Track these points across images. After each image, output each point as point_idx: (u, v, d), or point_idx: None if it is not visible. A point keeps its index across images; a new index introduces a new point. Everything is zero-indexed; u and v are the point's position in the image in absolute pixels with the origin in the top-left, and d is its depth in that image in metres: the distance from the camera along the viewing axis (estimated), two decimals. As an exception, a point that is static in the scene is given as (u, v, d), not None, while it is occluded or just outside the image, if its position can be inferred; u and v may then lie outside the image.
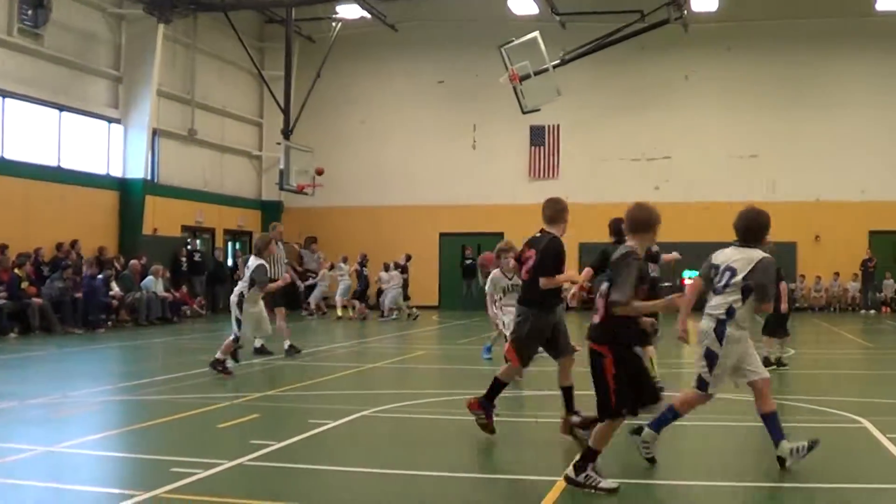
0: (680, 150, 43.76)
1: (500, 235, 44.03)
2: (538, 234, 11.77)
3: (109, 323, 31.22)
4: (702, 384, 9.81)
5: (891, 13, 41.67)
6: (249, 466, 9.61)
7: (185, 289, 37.08)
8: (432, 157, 45.50)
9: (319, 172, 38.96)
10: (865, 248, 42.02)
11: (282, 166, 38.82)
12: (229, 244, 45.24)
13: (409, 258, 39.75)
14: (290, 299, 21.87)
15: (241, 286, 18.00)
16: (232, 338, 17.64)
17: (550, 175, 44.76)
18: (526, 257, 11.79)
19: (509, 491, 9.06)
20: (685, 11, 38.73)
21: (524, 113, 36.91)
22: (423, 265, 43.32)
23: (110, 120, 37.37)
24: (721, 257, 10.00)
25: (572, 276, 12.34)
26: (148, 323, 32.63)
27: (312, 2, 41.36)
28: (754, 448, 10.93)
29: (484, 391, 11.44)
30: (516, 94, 36.44)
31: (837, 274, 42.63)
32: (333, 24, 43.12)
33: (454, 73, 45.42)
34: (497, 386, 11.44)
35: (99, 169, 36.91)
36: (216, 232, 43.59)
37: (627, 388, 8.72)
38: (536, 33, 35.11)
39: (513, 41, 35.52)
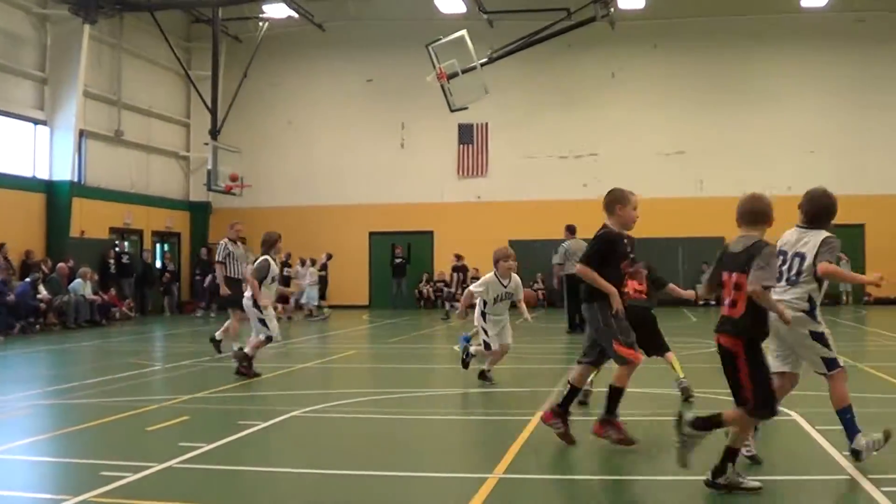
0: (607, 147, 44.03)
1: (430, 234, 44.31)
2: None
3: (38, 326, 30.92)
4: (833, 363, 9.54)
5: (815, 10, 42.25)
6: (179, 469, 9.52)
7: (113, 291, 36.73)
8: (361, 157, 45.40)
9: (234, 179, 38.84)
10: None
11: (209, 167, 38.64)
12: (157, 246, 44.87)
13: (329, 257, 39.52)
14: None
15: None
16: (263, 338, 17.43)
17: (479, 173, 44.86)
18: None
19: (438, 490, 9.03)
20: (612, 9, 38.92)
21: (452, 111, 36.99)
22: (353, 265, 43.32)
23: (36, 121, 36.98)
24: (787, 243, 9.77)
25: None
26: (76, 326, 32.31)
27: (239, 1, 41.14)
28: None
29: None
30: (444, 92, 36.47)
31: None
32: (260, 23, 42.98)
33: (382, 72, 45.38)
34: (616, 395, 10.61)
35: (25, 171, 36.53)
36: (144, 234, 43.19)
37: (765, 386, 8.45)
38: (464, 32, 35.14)
39: (440, 39, 35.54)
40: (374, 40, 45.35)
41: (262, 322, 17.41)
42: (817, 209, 9.92)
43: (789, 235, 9.83)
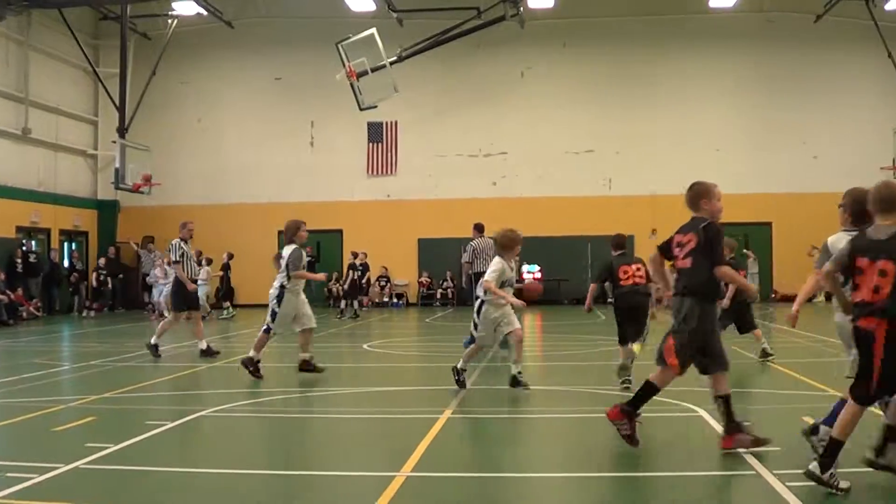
0: (517, 146, 44.24)
1: (340, 233, 44.20)
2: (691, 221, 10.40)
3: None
4: None
5: (724, 10, 42.80)
6: (86, 470, 9.42)
7: (20, 291, 36.29)
8: (270, 155, 45.14)
9: (146, 179, 38.61)
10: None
11: (117, 165, 38.28)
12: (65, 245, 44.34)
13: (230, 257, 39.15)
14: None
15: (280, 278, 17.28)
16: (264, 329, 17.21)
17: (388, 172, 44.83)
18: (680, 241, 10.41)
19: (345, 489, 9.03)
20: (521, 8, 39.17)
21: (361, 109, 37.04)
22: (261, 264, 42.84)
23: (-58, 120, 36.46)
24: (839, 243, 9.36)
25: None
26: (-18, 326, 31.95)
27: (147, -2, 40.86)
28: (599, 438, 11.06)
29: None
30: (354, 90, 36.53)
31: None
32: (169, 21, 42.66)
33: (292, 70, 45.17)
34: (648, 393, 10.19)
35: (-72, 169, 35.99)
36: (52, 232, 42.62)
37: (893, 373, 8.22)
38: (374, 30, 35.23)
39: (350, 38, 35.60)
40: (283, 38, 45.12)
41: (273, 315, 17.29)
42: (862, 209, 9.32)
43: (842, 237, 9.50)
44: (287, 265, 17.19)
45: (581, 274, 43.81)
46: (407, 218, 43.46)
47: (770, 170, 43.73)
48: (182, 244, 21.06)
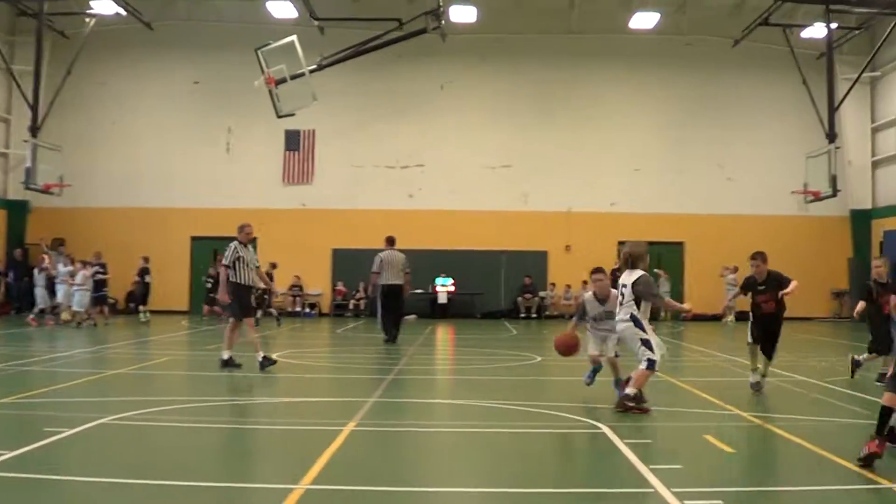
0: (434, 158, 44.20)
1: (253, 240, 43.70)
2: None
3: None
4: None
5: (644, 32, 43.13)
6: (-23, 476, 9.23)
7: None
8: (186, 160, 44.64)
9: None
10: (615, 257, 43.08)
11: (28, 165, 37.74)
12: (-30, 244, 43.62)
13: (147, 261, 38.52)
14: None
15: None
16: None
17: (305, 180, 44.55)
18: None
19: (242, 501, 8.91)
20: (443, 21, 39.18)
21: (279, 117, 36.78)
22: (174, 269, 42.67)
23: None
24: None
25: None
26: None
27: (66, -5, 40.36)
28: (502, 453, 11.02)
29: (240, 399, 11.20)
30: (272, 97, 36.28)
31: (586, 282, 43.54)
32: (87, 19, 42.09)
33: (210, 75, 44.74)
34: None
35: None
36: (-41, 233, 41.93)
37: None
38: (294, 37, 35.01)
39: (270, 44, 35.34)
40: (203, 42, 44.70)
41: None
42: None
43: None
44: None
45: (495, 289, 43.92)
46: (322, 227, 43.24)
47: (685, 190, 44.17)
48: (239, 248, 19.78)
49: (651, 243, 42.02)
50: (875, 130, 44.72)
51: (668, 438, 11.52)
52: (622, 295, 14.27)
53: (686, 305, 16.75)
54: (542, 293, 44.19)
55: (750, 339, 16.55)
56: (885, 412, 9.99)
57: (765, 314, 16.30)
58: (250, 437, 12.17)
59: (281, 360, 19.37)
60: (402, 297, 27.76)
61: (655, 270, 42.90)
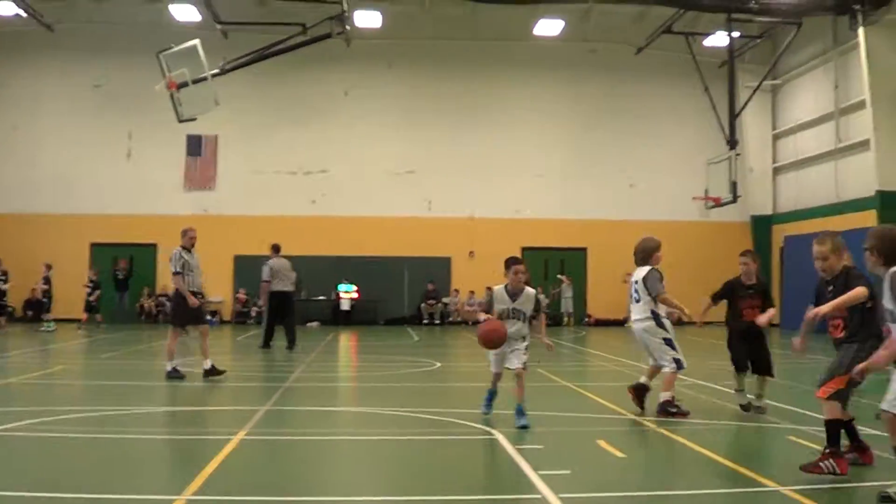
0: (338, 164, 43.98)
1: (154, 247, 43.32)
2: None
3: None
4: None
5: (548, 39, 43.35)
6: None
7: None
8: (87, 165, 43.89)
9: None
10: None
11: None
12: None
13: (49, 268, 37.98)
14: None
15: None
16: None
17: (207, 186, 44.11)
18: None
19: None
20: (348, 27, 39.03)
21: (181, 122, 36.29)
22: (73, 277, 41.98)
23: None
24: None
25: None
26: None
27: (-38, -4, 39.63)
28: (394, 461, 10.94)
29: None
30: (173, 102, 35.83)
31: (490, 288, 43.48)
32: (-14, 21, 41.45)
33: (111, 78, 44.07)
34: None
35: None
36: None
37: None
38: (197, 41, 34.60)
39: (172, 48, 34.89)
40: (104, 45, 44.01)
41: None
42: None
43: None
44: None
45: (398, 295, 43.83)
46: (224, 234, 42.70)
47: (588, 197, 44.44)
48: (184, 253, 19.51)
49: (555, 249, 42.50)
50: (776, 137, 45.27)
51: (561, 444, 11.49)
52: (636, 292, 14.29)
53: (686, 310, 14.57)
54: (445, 299, 44.18)
55: (734, 367, 14.58)
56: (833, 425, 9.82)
57: (748, 323, 14.23)
58: (135, 447, 11.89)
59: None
60: (293, 303, 27.82)
61: (559, 276, 43.27)
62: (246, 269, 42.41)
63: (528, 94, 45.13)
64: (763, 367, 14.36)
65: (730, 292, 14.56)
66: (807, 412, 13.57)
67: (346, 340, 34.14)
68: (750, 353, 14.38)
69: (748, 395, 14.38)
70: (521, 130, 44.86)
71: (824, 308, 9.87)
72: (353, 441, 12.42)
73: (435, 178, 44.10)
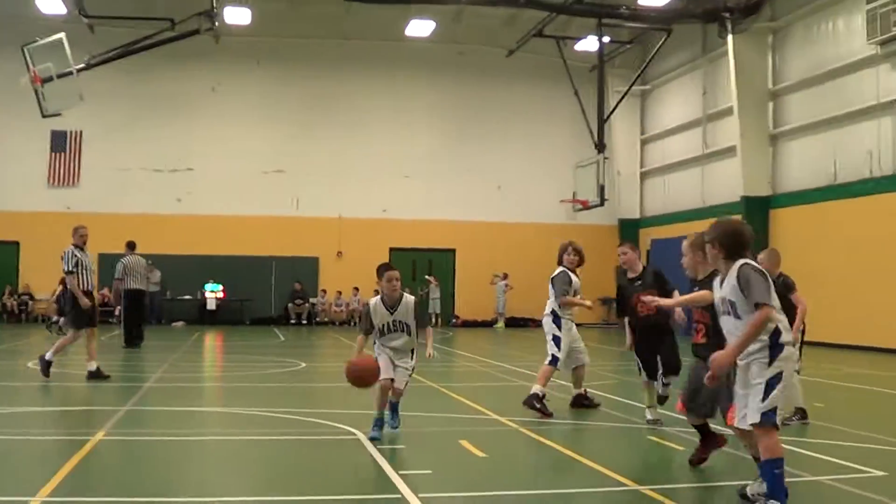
0: (204, 162, 43.50)
1: (17, 245, 42.48)
2: None
3: None
4: None
5: (419, 40, 43.43)
6: None
7: None
8: (-54, 160, 42.92)
9: None
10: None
11: None
12: None
13: None
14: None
15: None
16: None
17: (71, 183, 43.29)
18: None
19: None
20: (216, 23, 38.61)
21: (44, 117, 35.60)
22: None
23: None
24: None
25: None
26: None
27: None
28: (256, 461, 10.87)
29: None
30: (37, 96, 35.18)
31: (357, 289, 43.56)
32: None
33: (-27, 72, 43.13)
34: None
35: None
36: None
37: None
38: (62, 35, 33.99)
39: (37, 41, 34.27)
40: (-35, 38, 43.08)
41: None
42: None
43: None
44: None
45: (265, 294, 43.56)
46: (89, 231, 42.05)
47: (456, 198, 44.63)
48: (76, 252, 18.79)
49: (423, 250, 42.59)
50: (644, 142, 45.98)
51: (423, 444, 11.51)
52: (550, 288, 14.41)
53: (587, 302, 14.92)
54: (312, 299, 44.01)
55: (643, 375, 13.41)
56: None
57: (647, 320, 13.03)
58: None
59: (35, 368, 18.68)
60: (145, 301, 27.68)
61: (426, 277, 43.32)
62: (110, 267, 41.49)
63: (399, 95, 45.16)
64: (670, 368, 13.19)
65: (622, 295, 13.67)
66: (668, 412, 13.72)
67: (211, 340, 33.86)
68: (660, 353, 13.16)
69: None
70: (391, 131, 44.89)
71: (670, 302, 10.19)
72: (214, 441, 12.31)
73: (303, 178, 43.89)
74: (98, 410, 14.52)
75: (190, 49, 39.98)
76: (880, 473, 10.03)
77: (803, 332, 13.76)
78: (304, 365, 23.40)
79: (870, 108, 30.49)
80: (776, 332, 7.91)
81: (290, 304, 43.50)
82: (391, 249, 43.24)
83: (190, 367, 22.95)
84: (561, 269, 14.64)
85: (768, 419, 7.82)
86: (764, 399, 7.81)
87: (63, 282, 20.10)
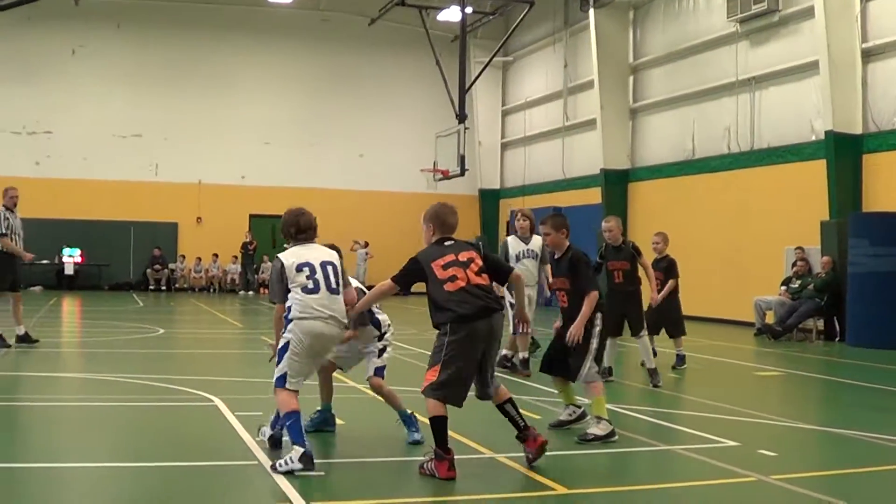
0: (63, 125, 42.64)
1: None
2: None
3: None
4: None
5: (282, 5, 43.24)
6: None
7: None
8: None
9: None
10: (246, 230, 43.12)
11: None
12: None
13: None
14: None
15: None
16: None
17: (-77, 143, 42.32)
18: None
19: None
20: (76, -16, 38.05)
21: None
22: None
23: None
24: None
25: None
26: None
27: None
28: (112, 428, 10.83)
29: None
30: None
31: (216, 255, 43.30)
32: None
33: None
34: None
35: None
36: None
37: None
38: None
39: None
40: None
41: None
42: None
43: None
44: None
45: (124, 259, 43.04)
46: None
47: (317, 165, 44.52)
48: (7, 214, 18.15)
49: (281, 217, 42.50)
50: (505, 114, 46.27)
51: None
52: None
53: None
54: (171, 265, 43.63)
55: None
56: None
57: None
58: None
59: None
60: None
61: (286, 245, 43.08)
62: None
63: (259, 61, 44.84)
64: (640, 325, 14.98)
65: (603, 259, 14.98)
66: (526, 382, 13.91)
67: (69, 305, 33.46)
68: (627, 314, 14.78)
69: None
70: (251, 97, 44.57)
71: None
72: (73, 407, 12.26)
73: (162, 143, 43.35)
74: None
75: (49, 9, 39.44)
76: (733, 443, 10.31)
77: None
78: (162, 331, 23.28)
79: (728, 85, 30.94)
80: None
81: (148, 270, 43.04)
82: (251, 216, 43.09)
83: (48, 332, 22.63)
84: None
85: None
86: None
87: None
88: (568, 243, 10.70)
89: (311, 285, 8.85)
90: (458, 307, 8.68)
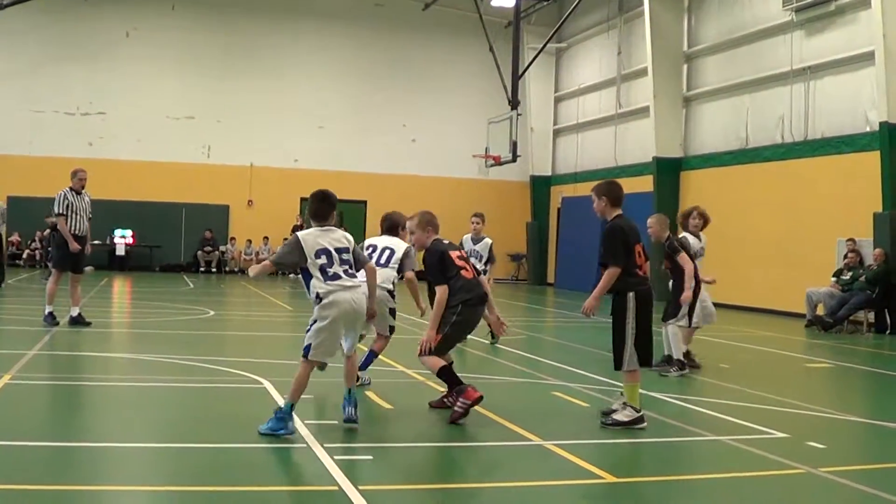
0: (117, 106, 42.82)
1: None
2: None
3: None
4: None
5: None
6: None
7: None
8: None
9: None
10: (297, 214, 43.24)
11: None
12: None
13: None
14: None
15: None
16: None
17: (-20, 124, 42.65)
18: None
19: None
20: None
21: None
22: None
23: None
24: None
25: None
26: None
27: None
28: (163, 408, 10.90)
29: None
30: (-54, 35, 34.72)
31: (267, 238, 43.44)
32: None
33: None
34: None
35: None
36: None
37: None
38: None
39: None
40: None
41: None
42: None
43: None
44: None
45: (175, 241, 43.28)
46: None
47: (369, 150, 44.54)
48: (69, 195, 18.54)
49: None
50: (557, 100, 46.10)
51: (329, 394, 11.52)
52: None
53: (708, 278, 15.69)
54: (222, 247, 43.84)
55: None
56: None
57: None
58: None
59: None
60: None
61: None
62: (20, 210, 41.12)
63: (313, 45, 44.91)
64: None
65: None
66: (576, 370, 13.91)
67: (120, 286, 33.67)
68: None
69: None
70: (304, 81, 44.63)
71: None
72: (121, 388, 12.32)
73: (215, 125, 43.50)
74: (4, 354, 14.40)
75: (106, -9, 39.59)
76: (782, 435, 10.23)
77: (696, 292, 14.30)
78: (212, 313, 23.41)
79: (783, 74, 30.72)
80: None
81: (199, 252, 43.25)
82: (302, 200, 43.20)
83: (99, 312, 22.79)
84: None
85: None
86: None
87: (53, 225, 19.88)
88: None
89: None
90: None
